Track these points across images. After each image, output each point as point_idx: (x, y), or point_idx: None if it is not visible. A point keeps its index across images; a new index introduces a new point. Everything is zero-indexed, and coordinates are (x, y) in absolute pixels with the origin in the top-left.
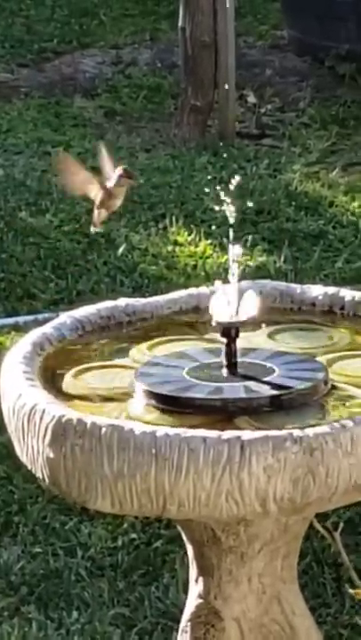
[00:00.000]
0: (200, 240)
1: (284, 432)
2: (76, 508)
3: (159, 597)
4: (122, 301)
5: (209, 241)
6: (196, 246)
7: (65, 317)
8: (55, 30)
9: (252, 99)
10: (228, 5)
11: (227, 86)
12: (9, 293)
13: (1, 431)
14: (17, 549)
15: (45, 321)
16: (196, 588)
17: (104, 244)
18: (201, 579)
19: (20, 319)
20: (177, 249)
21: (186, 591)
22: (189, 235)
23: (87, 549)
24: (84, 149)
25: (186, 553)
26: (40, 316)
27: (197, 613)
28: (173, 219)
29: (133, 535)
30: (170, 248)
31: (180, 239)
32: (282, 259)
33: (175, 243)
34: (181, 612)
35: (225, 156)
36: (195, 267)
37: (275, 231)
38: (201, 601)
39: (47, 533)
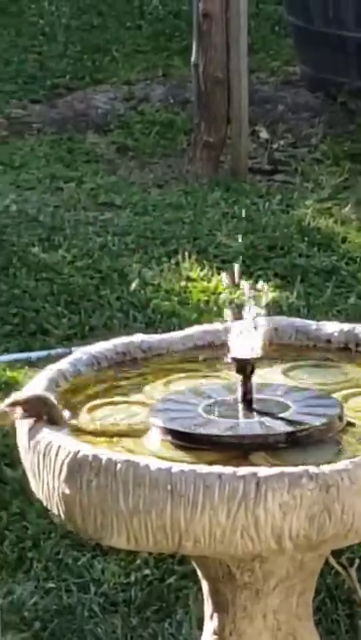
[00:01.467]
0: (213, 275)
1: (299, 469)
2: (89, 543)
3: (172, 634)
4: (137, 337)
5: (221, 276)
6: (209, 282)
7: (80, 353)
8: (68, 66)
9: (264, 134)
10: (241, 42)
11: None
12: (22, 329)
13: (15, 467)
14: (30, 585)
15: (58, 356)
16: (210, 624)
17: (117, 280)
18: (216, 615)
19: (33, 355)
20: (190, 284)
21: (199, 627)
22: (202, 270)
23: (100, 585)
24: (97, 185)
25: (199, 589)
26: (53, 352)
27: None
28: (186, 254)
29: (147, 571)
30: (182, 283)
31: (192, 275)
32: (294, 294)
33: (188, 278)
34: None
35: (237, 191)
36: (207, 302)
37: (287, 267)
38: (216, 637)
39: (60, 569)
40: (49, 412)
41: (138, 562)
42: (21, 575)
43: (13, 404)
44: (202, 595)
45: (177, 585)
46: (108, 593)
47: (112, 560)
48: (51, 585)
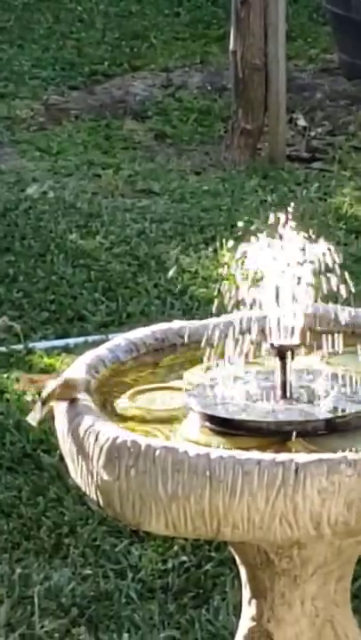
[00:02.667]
0: None
1: (338, 455)
2: (126, 530)
3: (210, 620)
4: (176, 324)
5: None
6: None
7: (119, 339)
8: (106, 53)
9: (302, 122)
10: (279, 29)
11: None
12: (59, 315)
13: (51, 453)
14: (67, 571)
15: (95, 343)
16: (248, 610)
17: (154, 267)
18: (254, 601)
19: (71, 341)
20: (227, 272)
21: (236, 614)
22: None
23: (137, 572)
24: (134, 172)
25: (236, 575)
26: (90, 339)
27: (250, 636)
28: (224, 241)
29: (184, 558)
30: (220, 271)
31: (230, 262)
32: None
33: (225, 265)
34: (232, 634)
35: (275, 179)
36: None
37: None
38: (254, 624)
39: (97, 555)
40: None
41: (175, 548)
42: (58, 561)
43: (47, 400)
44: (239, 581)
45: (214, 571)
46: (146, 579)
47: (149, 546)
48: (88, 571)
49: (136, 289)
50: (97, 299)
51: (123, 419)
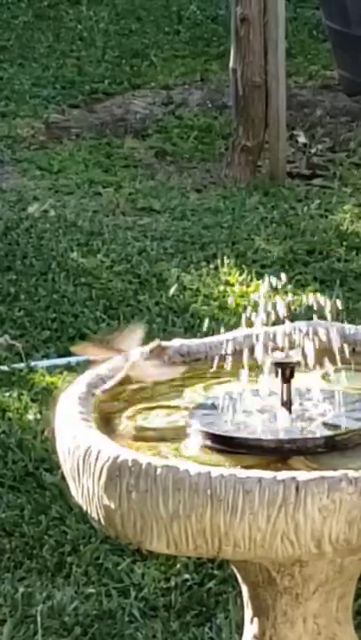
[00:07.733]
0: (252, 280)
1: (339, 473)
2: (128, 548)
3: (212, 638)
4: (176, 342)
5: (260, 281)
6: (248, 286)
7: (119, 358)
8: (106, 71)
9: (302, 139)
10: (278, 46)
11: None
12: (61, 334)
13: (53, 472)
14: (70, 590)
15: (97, 361)
16: (251, 628)
17: (155, 285)
18: (256, 619)
19: (73, 359)
20: (228, 289)
21: (239, 632)
22: (241, 275)
23: (140, 590)
24: (135, 190)
25: (239, 593)
26: (92, 357)
27: None
28: (225, 259)
29: (186, 576)
30: (221, 288)
31: (231, 279)
32: (333, 299)
33: (227, 283)
34: None
35: (276, 196)
36: (246, 307)
37: (326, 271)
38: None
39: (100, 574)
40: None
41: (178, 566)
42: (61, 580)
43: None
44: (241, 599)
45: (217, 589)
46: (149, 597)
47: (152, 565)
48: (91, 590)
49: (137, 307)
50: (98, 317)
51: (123, 437)
